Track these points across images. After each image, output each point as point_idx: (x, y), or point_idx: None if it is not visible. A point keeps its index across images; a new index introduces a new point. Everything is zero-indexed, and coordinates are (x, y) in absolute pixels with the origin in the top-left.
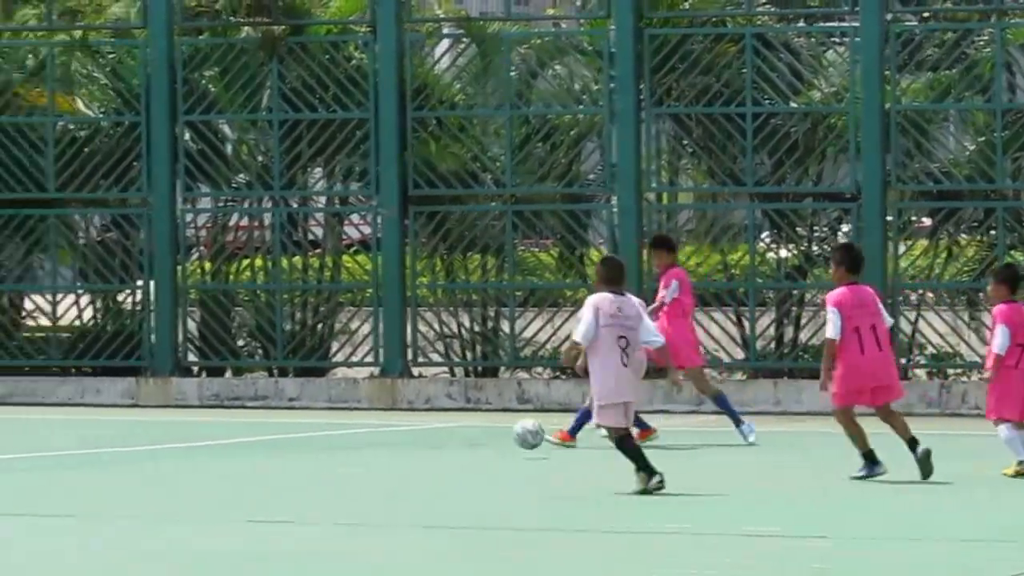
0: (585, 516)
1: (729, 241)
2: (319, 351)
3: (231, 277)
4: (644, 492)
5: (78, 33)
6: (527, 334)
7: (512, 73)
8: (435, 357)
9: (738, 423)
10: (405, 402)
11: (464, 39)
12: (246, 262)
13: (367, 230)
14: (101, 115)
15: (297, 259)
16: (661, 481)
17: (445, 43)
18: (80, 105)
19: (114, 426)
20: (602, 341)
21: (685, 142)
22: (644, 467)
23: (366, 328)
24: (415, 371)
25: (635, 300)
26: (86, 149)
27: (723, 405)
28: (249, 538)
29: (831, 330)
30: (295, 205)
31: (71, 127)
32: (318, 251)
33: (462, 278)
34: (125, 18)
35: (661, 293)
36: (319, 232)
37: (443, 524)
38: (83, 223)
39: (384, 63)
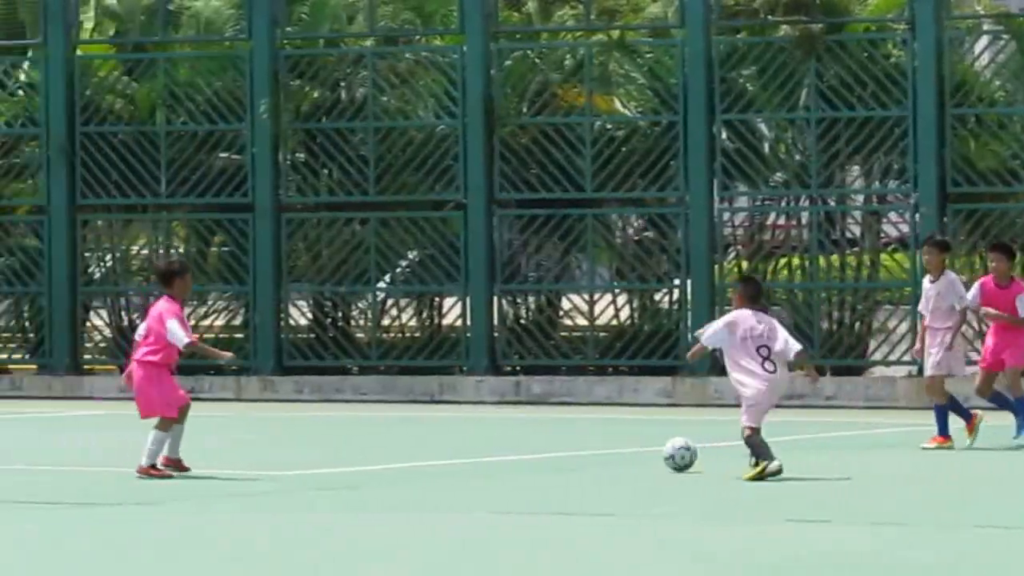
0: None
1: None
2: (856, 350)
3: (768, 276)
4: (760, 476)
5: (615, 33)
6: None
7: None
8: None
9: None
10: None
11: (1003, 36)
12: (783, 261)
13: (905, 228)
14: (638, 115)
15: (834, 258)
16: (780, 466)
17: (984, 40)
18: (617, 105)
19: (650, 425)
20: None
21: None
22: (766, 456)
23: (903, 327)
24: None
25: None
26: (623, 149)
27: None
28: (789, 538)
29: None
30: (832, 204)
31: (608, 127)
32: (855, 249)
33: None
34: (662, 17)
35: None
36: (856, 230)
37: (1000, 524)
38: (620, 222)
39: (923, 60)
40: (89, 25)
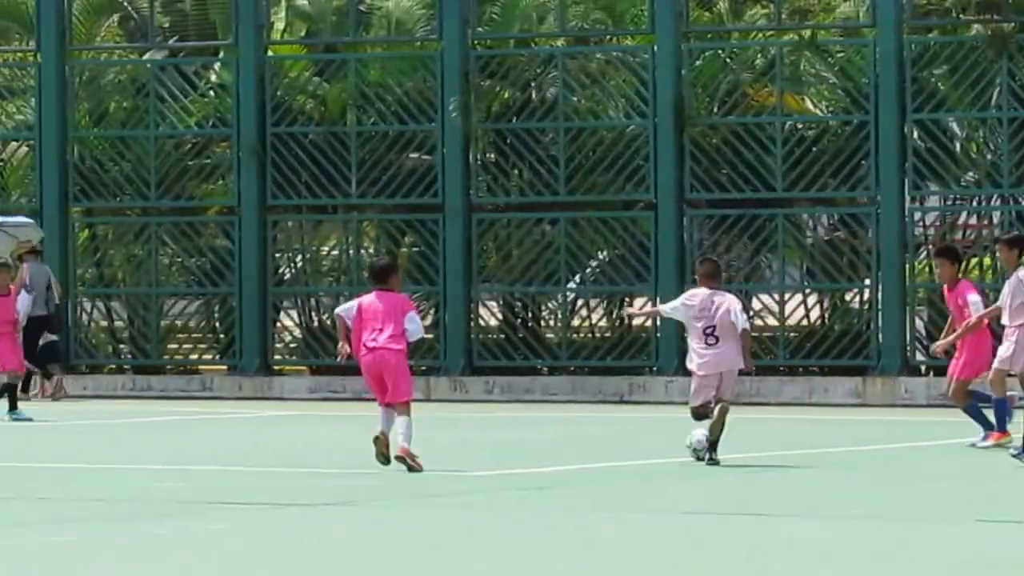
0: None
1: None
2: None
3: (959, 275)
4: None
5: (807, 32)
6: None
7: None
8: None
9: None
10: None
11: None
12: (974, 260)
13: None
14: (829, 114)
15: None
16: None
17: None
18: (808, 104)
19: (840, 426)
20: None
21: None
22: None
23: None
24: None
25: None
26: (814, 148)
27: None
28: (978, 539)
29: None
30: None
31: (799, 126)
32: None
33: None
34: (854, 17)
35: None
36: None
37: None
38: (811, 222)
39: None
40: (280, 26)
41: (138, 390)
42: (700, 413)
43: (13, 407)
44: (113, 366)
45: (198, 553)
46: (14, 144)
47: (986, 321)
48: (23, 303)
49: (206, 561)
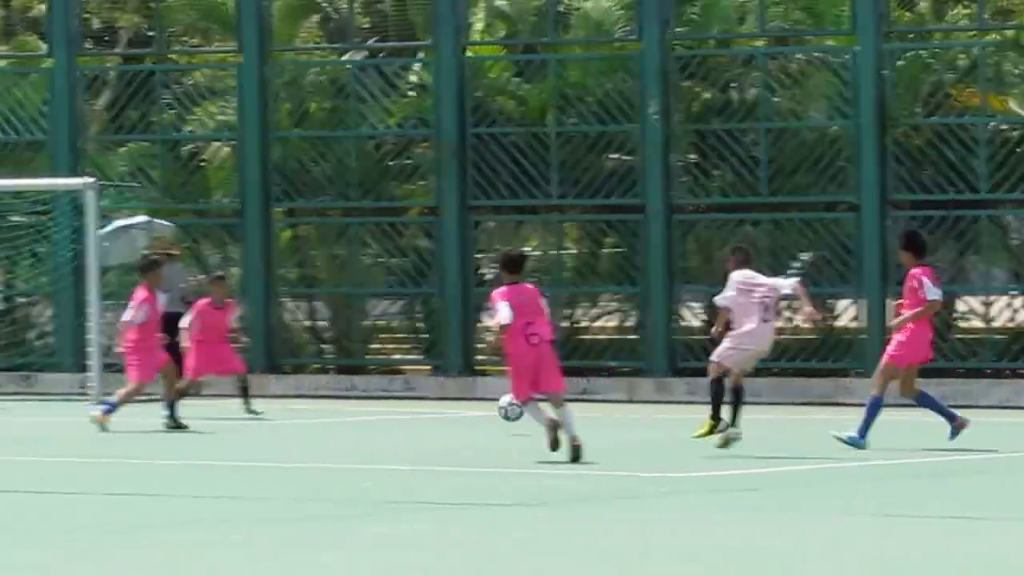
0: None
1: None
2: None
3: None
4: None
5: (1010, 32)
6: None
7: None
8: None
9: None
10: None
11: None
12: None
13: None
14: None
15: None
16: None
17: None
18: (1012, 105)
19: None
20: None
21: None
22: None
23: None
24: None
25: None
26: (1018, 149)
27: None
28: None
29: None
30: None
31: (1003, 127)
32: None
33: None
34: None
35: None
36: None
37: None
38: (1016, 224)
39: None
40: (479, 26)
41: (341, 390)
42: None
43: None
44: (316, 366)
45: (403, 554)
46: (216, 144)
47: None
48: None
49: (412, 561)
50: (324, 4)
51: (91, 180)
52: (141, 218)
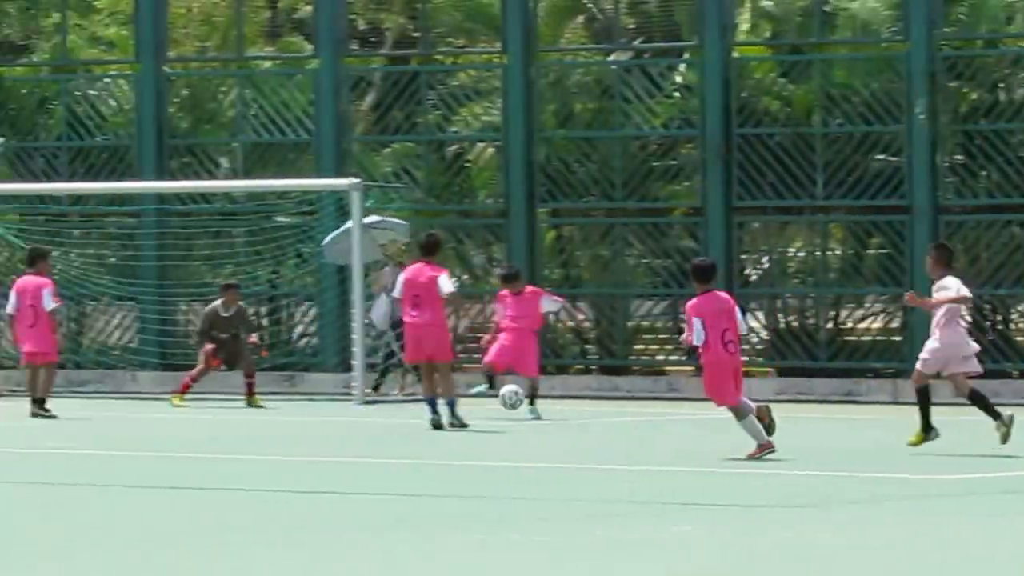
0: None
1: None
2: None
3: None
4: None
5: None
6: None
7: None
8: None
9: None
10: None
11: None
12: None
13: None
14: None
15: None
16: None
17: None
18: None
19: None
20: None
21: None
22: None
23: None
24: None
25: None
26: None
27: None
28: None
29: None
30: None
31: None
32: None
33: None
34: None
35: None
36: None
37: None
38: None
39: None
40: (745, 27)
41: (604, 391)
42: None
43: (532, 402)
44: (580, 366)
45: (668, 556)
46: (480, 145)
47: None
48: (381, 307)
49: (677, 565)
50: (589, 5)
51: (356, 181)
52: (373, 217)
